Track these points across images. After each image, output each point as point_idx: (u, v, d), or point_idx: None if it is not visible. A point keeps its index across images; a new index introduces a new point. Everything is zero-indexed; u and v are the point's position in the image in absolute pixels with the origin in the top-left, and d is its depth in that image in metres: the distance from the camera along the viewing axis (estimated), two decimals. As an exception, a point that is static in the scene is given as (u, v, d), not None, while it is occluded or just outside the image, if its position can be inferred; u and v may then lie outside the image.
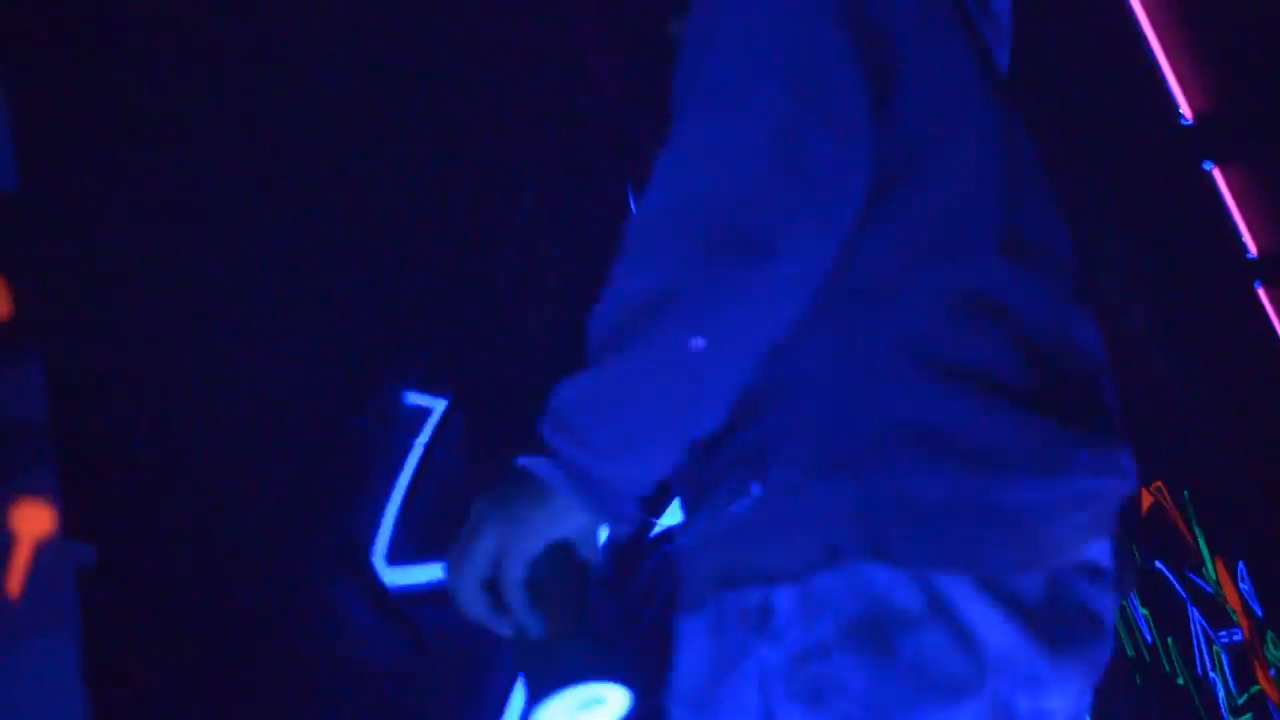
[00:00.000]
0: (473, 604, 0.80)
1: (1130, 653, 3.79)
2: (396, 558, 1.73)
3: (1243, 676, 5.00)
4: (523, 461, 0.79)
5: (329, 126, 1.88)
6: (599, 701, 0.78)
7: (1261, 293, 6.06)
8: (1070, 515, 0.80)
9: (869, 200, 0.81)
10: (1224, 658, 4.84)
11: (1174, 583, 4.60)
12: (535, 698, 0.77)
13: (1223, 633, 4.91)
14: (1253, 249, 5.86)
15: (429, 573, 1.72)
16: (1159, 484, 4.75)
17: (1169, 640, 4.21)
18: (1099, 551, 0.85)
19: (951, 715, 0.75)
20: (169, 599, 1.36)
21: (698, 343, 0.74)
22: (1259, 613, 5.48)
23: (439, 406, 1.89)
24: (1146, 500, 4.57)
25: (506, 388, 1.96)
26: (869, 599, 0.75)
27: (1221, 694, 4.62)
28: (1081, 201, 5.01)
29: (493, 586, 0.79)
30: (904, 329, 0.80)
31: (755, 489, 0.79)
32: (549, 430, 0.78)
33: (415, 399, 1.87)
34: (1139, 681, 3.77)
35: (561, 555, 0.79)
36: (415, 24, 2.02)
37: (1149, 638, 4.03)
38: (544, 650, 0.77)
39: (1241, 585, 5.51)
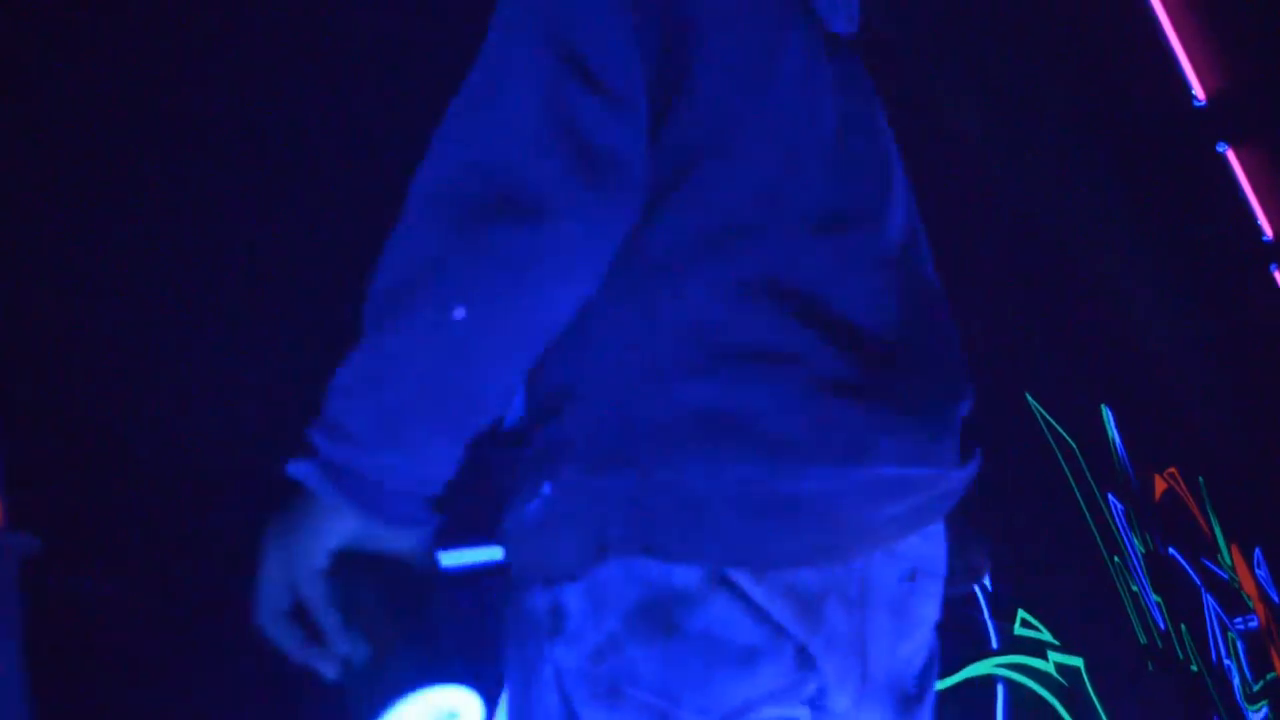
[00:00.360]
0: (285, 640, 0.72)
1: (1143, 640, 3.75)
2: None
3: (1258, 663, 4.96)
4: (289, 468, 0.71)
5: (319, 124, 1.87)
6: (451, 715, 0.70)
7: (1277, 275, 5.99)
8: (870, 505, 0.76)
9: (666, 184, 0.76)
10: (1239, 644, 4.80)
11: (1188, 569, 4.57)
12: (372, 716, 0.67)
13: (1238, 619, 4.87)
14: (1268, 231, 5.79)
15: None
16: (1173, 470, 4.71)
17: (1182, 627, 4.17)
18: (915, 549, 0.82)
19: (749, 680, 0.73)
20: (114, 589, 1.34)
21: (459, 313, 0.68)
22: (1275, 599, 5.44)
23: None
24: (1160, 486, 4.53)
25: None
26: (646, 584, 0.72)
27: (1237, 681, 4.59)
28: (1093, 186, 4.96)
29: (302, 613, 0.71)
30: (691, 316, 0.75)
31: (546, 488, 0.74)
32: (311, 426, 0.70)
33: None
34: (1151, 668, 3.73)
35: (367, 561, 0.70)
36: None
37: (1162, 624, 3.99)
38: (373, 667, 0.68)
39: (1258, 571, 5.47)
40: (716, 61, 0.79)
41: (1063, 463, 3.61)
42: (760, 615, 0.73)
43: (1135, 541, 4.08)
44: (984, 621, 2.74)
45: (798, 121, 0.83)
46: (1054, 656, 3.09)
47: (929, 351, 0.83)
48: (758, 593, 0.73)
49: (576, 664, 0.72)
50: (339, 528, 0.70)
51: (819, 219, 0.80)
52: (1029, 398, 3.53)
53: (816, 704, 0.78)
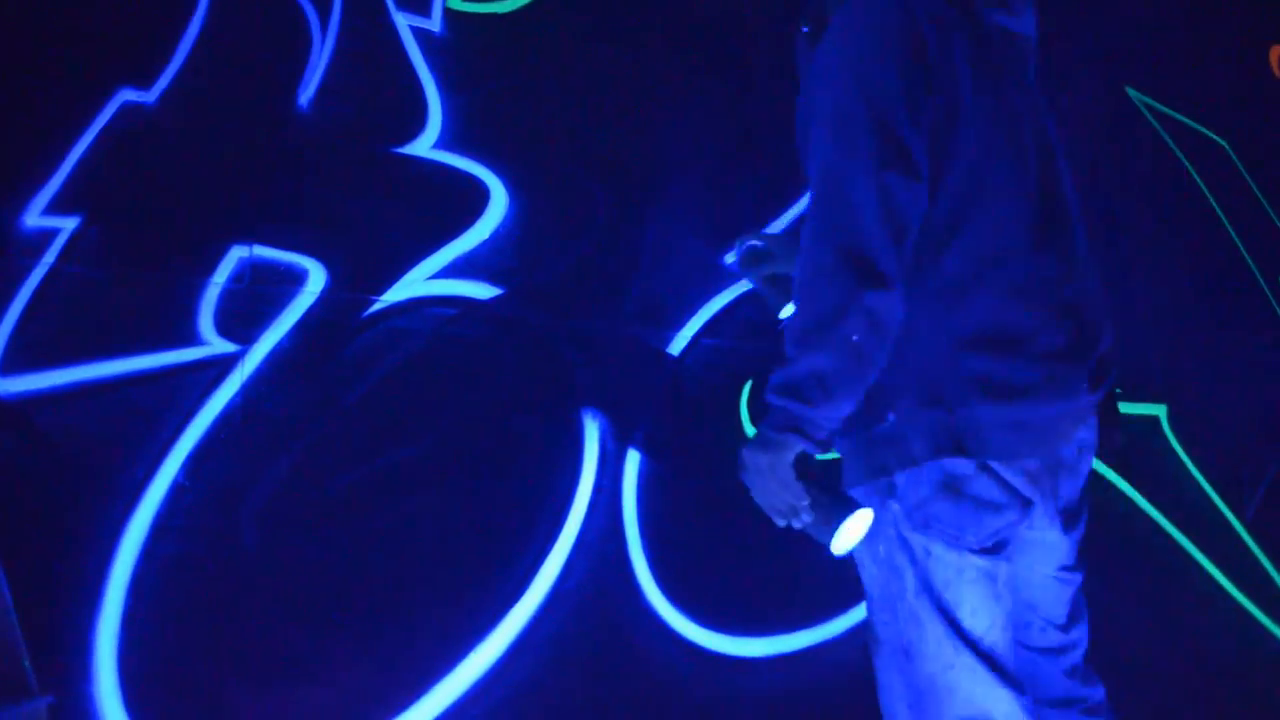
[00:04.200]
0: (784, 510, 1.35)
1: None
2: (12, 368, 1.90)
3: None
4: (760, 426, 1.34)
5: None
6: (861, 518, 1.35)
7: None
8: (1067, 420, 1.39)
9: (946, 228, 1.35)
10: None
11: None
12: (831, 533, 1.32)
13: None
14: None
15: (47, 379, 1.92)
16: None
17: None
18: (1082, 434, 1.43)
19: (998, 521, 1.37)
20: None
21: (856, 338, 1.28)
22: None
23: (69, 225, 2.00)
24: None
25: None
26: (945, 470, 1.35)
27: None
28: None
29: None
30: (971, 316, 1.35)
31: (890, 416, 1.38)
32: (778, 399, 1.31)
33: (40, 220, 1.99)
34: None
35: (805, 462, 1.33)
36: None
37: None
38: (822, 512, 1.33)
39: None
40: (972, 135, 1.37)
41: None
42: (1006, 486, 1.37)
43: None
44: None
45: (1014, 165, 1.40)
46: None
47: (1093, 316, 1.42)
48: (1006, 474, 1.36)
49: (905, 510, 1.38)
50: (796, 450, 1.32)
51: (1032, 236, 1.38)
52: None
53: (1029, 525, 1.44)
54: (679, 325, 2.50)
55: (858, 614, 2.50)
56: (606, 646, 2.24)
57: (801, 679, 2.39)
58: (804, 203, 2.82)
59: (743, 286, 2.67)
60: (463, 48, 2.49)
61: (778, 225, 2.75)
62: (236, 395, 2.03)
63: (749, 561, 2.39)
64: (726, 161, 2.69)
